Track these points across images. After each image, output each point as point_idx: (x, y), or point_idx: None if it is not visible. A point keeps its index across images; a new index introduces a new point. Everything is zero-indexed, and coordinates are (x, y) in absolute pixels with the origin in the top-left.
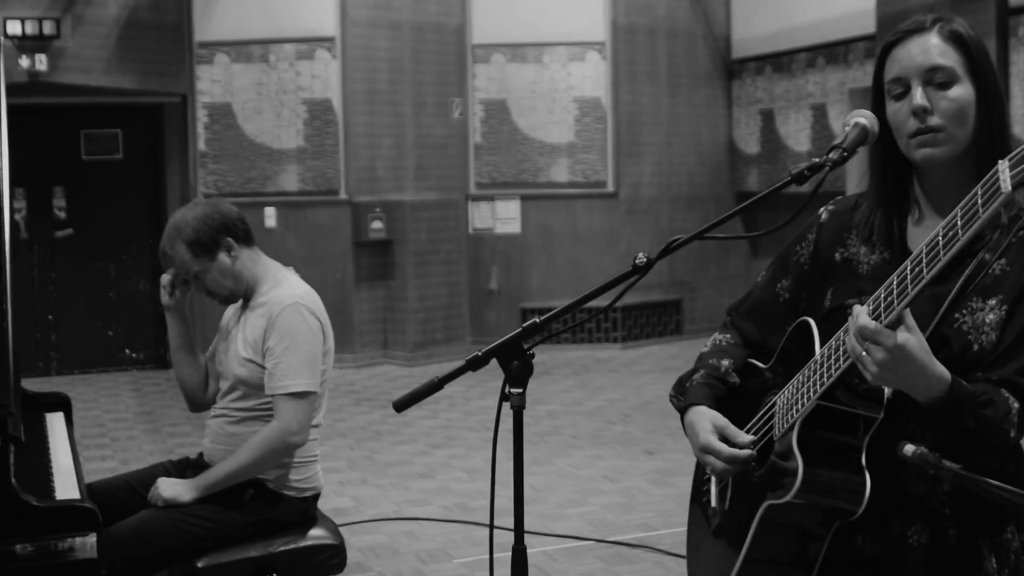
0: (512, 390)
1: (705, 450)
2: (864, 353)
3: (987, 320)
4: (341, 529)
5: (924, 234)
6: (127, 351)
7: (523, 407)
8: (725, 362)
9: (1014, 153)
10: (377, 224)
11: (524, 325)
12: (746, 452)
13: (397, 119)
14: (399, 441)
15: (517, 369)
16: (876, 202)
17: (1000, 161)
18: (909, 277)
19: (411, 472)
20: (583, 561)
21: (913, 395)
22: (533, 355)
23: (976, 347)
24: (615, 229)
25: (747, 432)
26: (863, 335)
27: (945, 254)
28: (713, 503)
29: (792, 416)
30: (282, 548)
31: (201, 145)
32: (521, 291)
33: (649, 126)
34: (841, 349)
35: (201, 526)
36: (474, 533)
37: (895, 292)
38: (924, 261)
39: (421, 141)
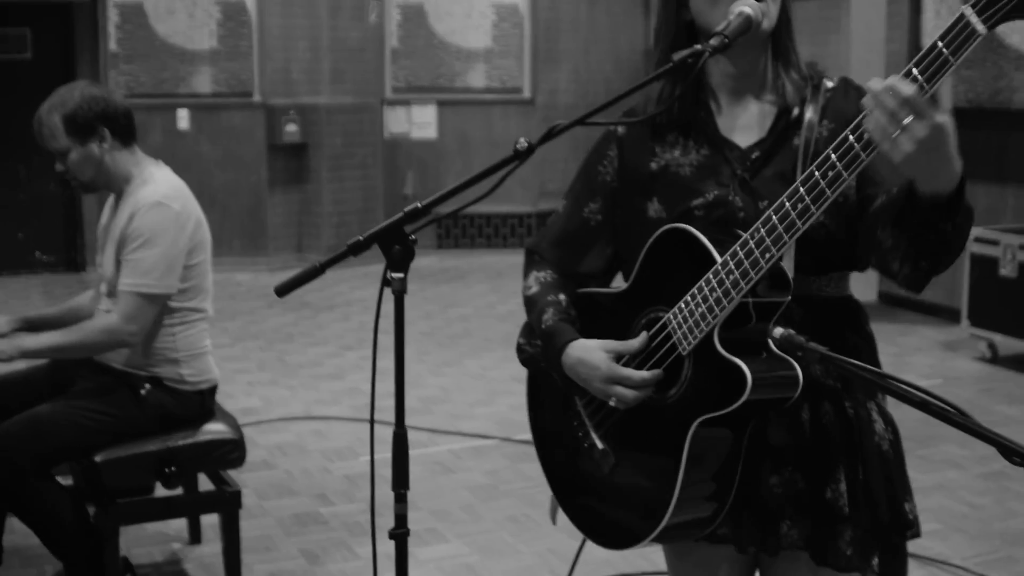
0: (393, 275)
1: (613, 380)
2: (904, 131)
3: None
4: (248, 429)
5: (732, 119)
6: (38, 254)
7: (404, 292)
8: (562, 296)
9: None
10: (292, 127)
11: (405, 209)
12: (655, 372)
13: (313, 21)
14: (311, 343)
15: (399, 254)
16: (680, 102)
17: (964, 7)
18: (925, 73)
19: (322, 373)
20: (488, 459)
21: (933, 182)
22: (415, 240)
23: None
24: (531, 136)
25: (630, 361)
26: (911, 105)
27: (942, 70)
28: (599, 445)
29: (705, 325)
30: (181, 442)
31: (112, 46)
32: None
33: (567, 33)
34: (751, 249)
35: (97, 420)
36: (380, 432)
37: (921, 77)
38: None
39: (337, 44)
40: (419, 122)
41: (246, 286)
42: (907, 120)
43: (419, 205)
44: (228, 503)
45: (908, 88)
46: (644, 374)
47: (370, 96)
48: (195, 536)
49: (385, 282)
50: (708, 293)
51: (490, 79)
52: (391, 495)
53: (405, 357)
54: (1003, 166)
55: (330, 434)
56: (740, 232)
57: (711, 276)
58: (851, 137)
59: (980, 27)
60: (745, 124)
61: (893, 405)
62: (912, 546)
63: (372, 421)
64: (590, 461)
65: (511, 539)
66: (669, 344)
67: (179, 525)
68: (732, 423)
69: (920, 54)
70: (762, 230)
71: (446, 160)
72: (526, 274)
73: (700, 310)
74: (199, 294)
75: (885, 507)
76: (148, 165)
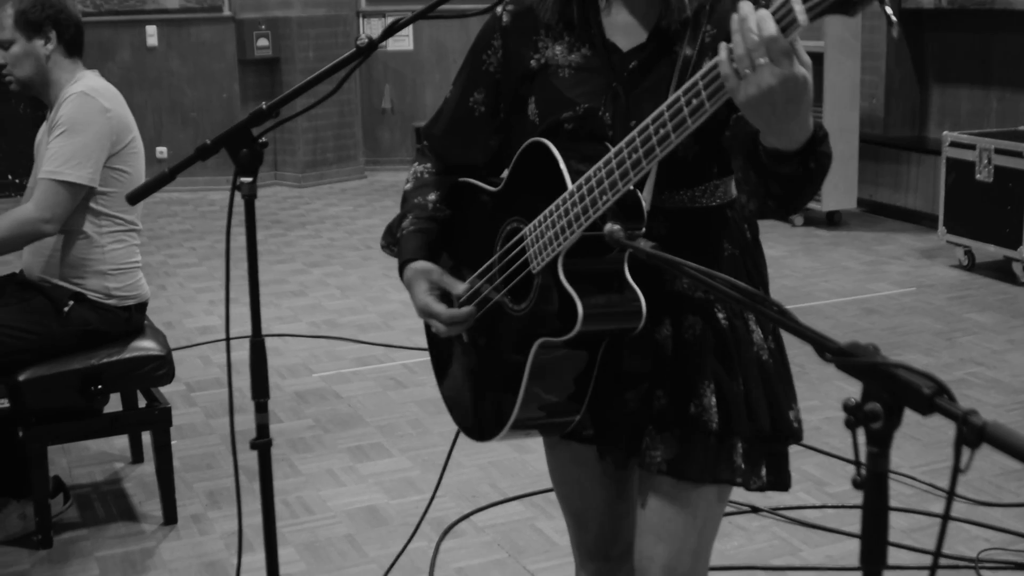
0: (243, 179)
1: (425, 313)
2: (760, 71)
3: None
4: (206, 347)
5: (618, 20)
6: (9, 176)
7: (254, 196)
8: (431, 196)
9: None
10: (263, 42)
11: (251, 111)
12: (467, 310)
13: None
14: (278, 260)
15: (246, 157)
16: None
17: None
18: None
19: (284, 290)
20: None
21: (777, 138)
22: (265, 144)
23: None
24: None
25: (492, 266)
26: (774, 46)
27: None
28: (465, 339)
29: (552, 249)
30: (106, 360)
31: None
32: (415, 109)
33: None
34: (602, 178)
35: (19, 338)
36: (337, 348)
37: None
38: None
39: None
40: (395, 34)
41: (219, 204)
42: (760, 61)
43: (264, 106)
44: (158, 421)
45: (771, 27)
46: (452, 312)
47: (344, 8)
48: (137, 455)
49: (235, 187)
50: (557, 218)
51: None
52: (337, 410)
53: (370, 273)
54: (986, 69)
55: (286, 351)
56: (610, 147)
57: (561, 201)
58: (715, 69)
59: (802, 17)
60: (631, 23)
61: (861, 314)
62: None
63: (228, 338)
64: (459, 353)
65: (455, 453)
66: (523, 259)
67: (122, 444)
68: (577, 344)
69: None
70: (613, 160)
71: (424, 72)
72: (412, 164)
73: (549, 233)
74: (127, 204)
75: (766, 417)
76: (84, 75)
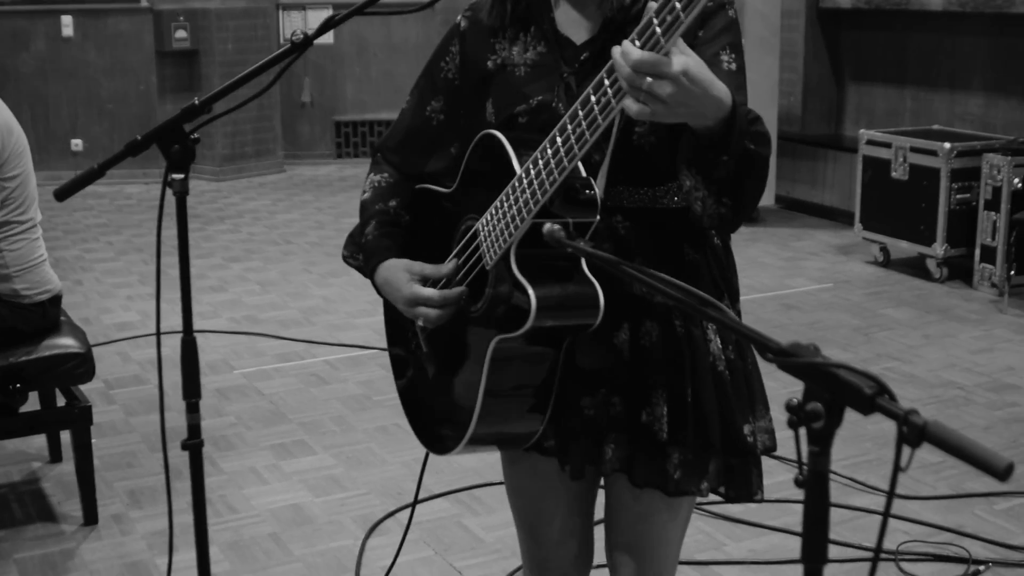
0: (174, 176)
1: (414, 301)
2: (647, 92)
3: None
4: (124, 343)
5: (570, 14)
6: None
7: (186, 193)
8: (392, 203)
9: None
10: (181, 33)
11: (183, 107)
12: (458, 290)
13: None
14: (196, 255)
15: (178, 154)
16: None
17: None
18: (662, 24)
19: (204, 285)
20: (365, 369)
21: (702, 121)
22: (197, 139)
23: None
24: (431, 41)
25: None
26: (642, 69)
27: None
28: (424, 348)
29: (504, 241)
30: (24, 358)
31: None
32: (335, 103)
33: None
34: (548, 160)
35: None
36: (258, 344)
37: (658, 30)
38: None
39: None
40: (315, 26)
41: (136, 198)
42: (647, 82)
43: (196, 102)
44: (79, 419)
45: (636, 54)
46: (444, 293)
47: (263, 0)
48: (55, 454)
49: (166, 183)
50: (507, 208)
51: None
52: (259, 407)
53: (290, 268)
54: (901, 68)
55: (206, 347)
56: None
57: (511, 190)
58: (608, 79)
59: None
60: (582, 17)
61: (780, 310)
62: (782, 448)
63: (159, 332)
64: (420, 363)
65: (379, 450)
66: (477, 255)
67: (40, 444)
68: (537, 341)
69: (660, 2)
70: (548, 150)
71: (344, 66)
72: (368, 174)
73: (500, 225)
74: (22, 204)
75: (716, 430)
76: None
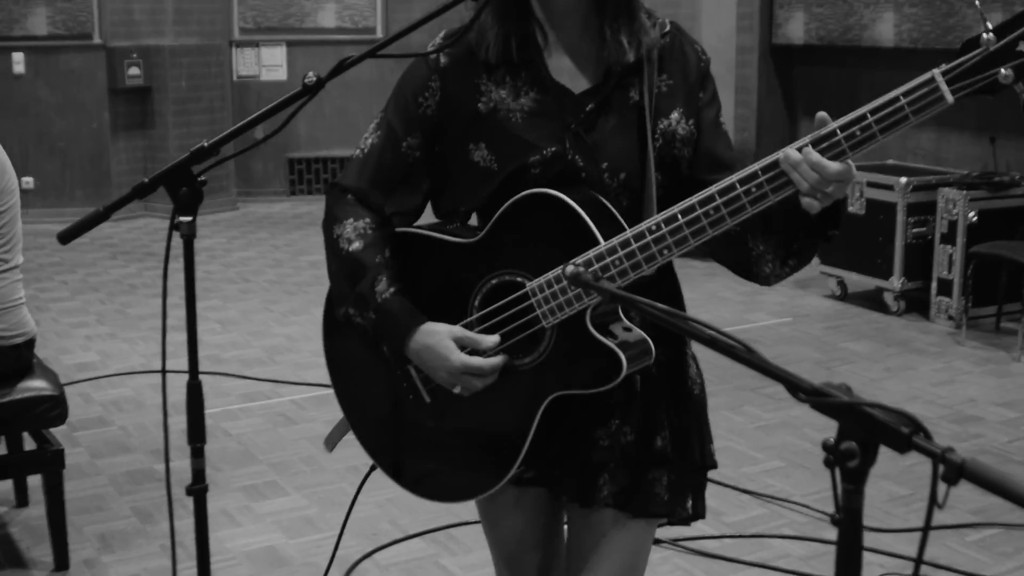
0: (181, 218)
1: (464, 371)
2: (827, 194)
3: (678, 135)
4: (83, 385)
5: (563, 62)
6: None
7: (193, 235)
8: (387, 253)
9: (949, 67)
10: (134, 71)
11: (192, 149)
12: (502, 359)
13: None
14: (154, 294)
15: (186, 196)
16: (503, 35)
17: (935, 71)
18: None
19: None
20: (332, 408)
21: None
22: (204, 182)
23: (673, 159)
24: (384, 78)
25: (481, 321)
26: (834, 179)
27: (864, 136)
28: (427, 399)
29: (578, 305)
30: None
31: None
32: (288, 141)
33: None
34: (664, 236)
35: None
36: (223, 384)
37: (845, 144)
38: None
39: None
40: (268, 64)
41: (88, 237)
42: (832, 188)
43: (205, 144)
44: (50, 463)
45: (833, 167)
46: (495, 362)
47: (217, 37)
48: (21, 499)
49: (173, 226)
50: (592, 274)
51: (341, 19)
52: (227, 448)
53: (251, 307)
54: (853, 103)
55: (170, 388)
56: (603, 201)
57: (593, 259)
58: (777, 167)
59: (948, 96)
60: (577, 67)
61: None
62: (753, 484)
63: (164, 370)
64: (415, 415)
65: (351, 490)
66: (530, 315)
67: (5, 488)
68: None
69: (850, 118)
70: (664, 228)
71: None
72: (339, 218)
73: (576, 290)
74: (8, 243)
75: (697, 449)
76: None
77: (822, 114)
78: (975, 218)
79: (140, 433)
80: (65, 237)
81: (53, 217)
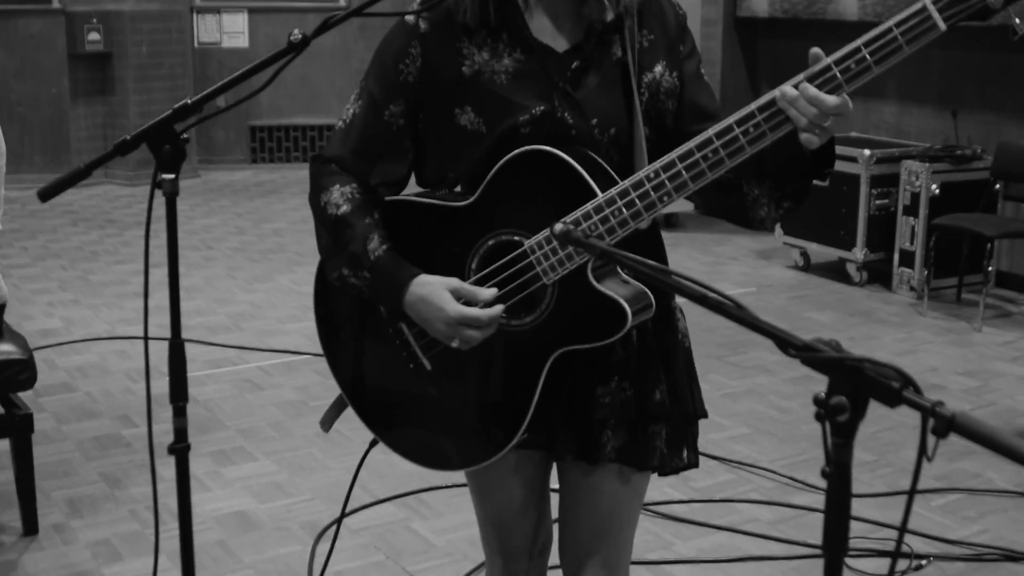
0: (164, 176)
1: (461, 321)
2: (824, 128)
3: (663, 87)
4: (47, 351)
5: (544, 22)
6: None
7: (176, 193)
8: (377, 215)
9: None
10: (94, 36)
11: (175, 106)
12: (500, 308)
13: None
14: (116, 261)
15: (169, 154)
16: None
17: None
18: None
19: (127, 291)
20: (299, 375)
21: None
22: (187, 139)
23: (658, 112)
24: (347, 45)
25: (480, 282)
26: (831, 112)
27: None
28: (428, 366)
29: (579, 259)
30: None
31: None
32: (250, 108)
33: None
34: (663, 182)
35: None
36: (189, 350)
37: (840, 76)
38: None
39: None
40: (230, 31)
41: (49, 203)
42: (829, 121)
43: (188, 102)
44: (19, 427)
45: (830, 100)
46: (492, 313)
47: (178, 3)
48: None
49: (156, 184)
50: (589, 228)
51: None
52: (194, 414)
53: (215, 274)
54: None
55: (134, 354)
56: (594, 156)
57: (592, 211)
58: (774, 106)
59: (941, 23)
60: (558, 26)
61: (706, 313)
62: (720, 449)
63: (146, 336)
64: (414, 382)
65: (320, 455)
66: (530, 273)
67: None
68: (586, 350)
69: (844, 52)
70: (663, 175)
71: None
72: (324, 187)
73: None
74: None
75: (690, 401)
76: None
77: (816, 50)
78: (937, 190)
79: (106, 399)
80: (45, 195)
81: (12, 183)
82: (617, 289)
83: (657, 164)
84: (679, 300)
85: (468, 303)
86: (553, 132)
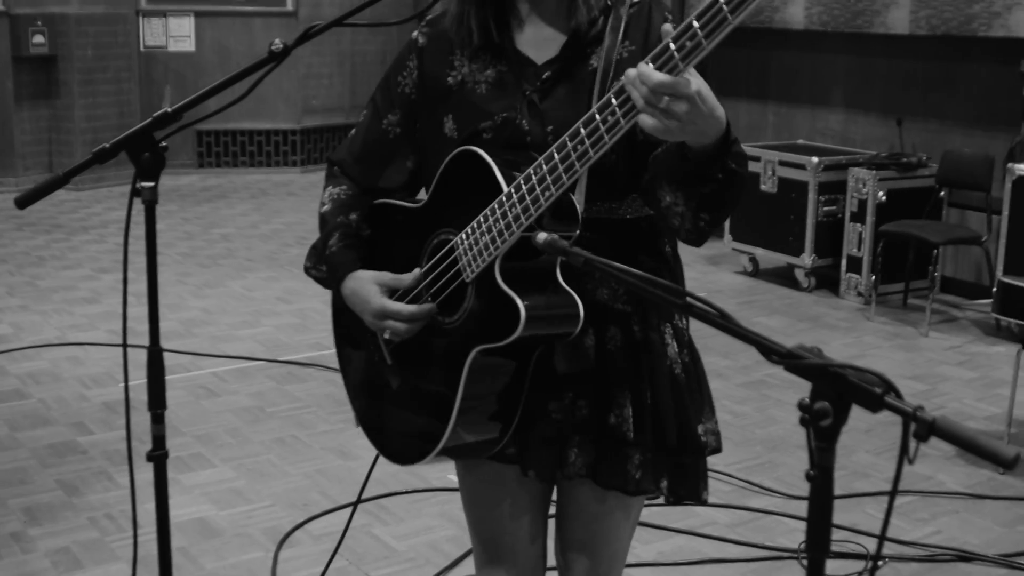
0: (143, 184)
1: (382, 315)
2: (663, 110)
3: None
4: (0, 357)
5: (533, 33)
6: None
7: (155, 202)
8: (353, 216)
9: None
10: (39, 39)
11: (155, 115)
12: (428, 306)
13: None
14: (64, 266)
15: (148, 161)
16: (476, 6)
17: None
18: (682, 51)
19: (76, 297)
20: (254, 381)
21: (702, 140)
22: (166, 147)
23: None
24: (295, 52)
25: (419, 281)
26: (661, 90)
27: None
28: (388, 360)
29: (487, 255)
30: None
31: None
32: (197, 112)
33: None
34: (544, 176)
35: None
36: (140, 356)
37: (677, 55)
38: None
39: None
40: (176, 35)
41: None
42: (664, 102)
43: (168, 110)
44: None
45: (656, 76)
46: (413, 308)
47: (123, 6)
48: None
49: (135, 192)
50: (493, 223)
51: None
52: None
53: (164, 279)
54: (764, 84)
55: (87, 360)
56: (535, 156)
57: (496, 206)
58: (617, 100)
59: (730, 16)
60: (544, 38)
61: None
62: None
63: (124, 342)
64: (382, 376)
65: (279, 461)
66: (455, 269)
67: None
68: (513, 352)
69: (679, 29)
70: (544, 167)
71: (206, 74)
72: (325, 186)
73: (484, 239)
74: None
75: (673, 431)
76: None
77: (666, 26)
78: (884, 197)
79: (60, 406)
80: (23, 202)
81: None
82: (528, 290)
83: (542, 157)
84: (678, 325)
85: (398, 292)
86: (511, 137)
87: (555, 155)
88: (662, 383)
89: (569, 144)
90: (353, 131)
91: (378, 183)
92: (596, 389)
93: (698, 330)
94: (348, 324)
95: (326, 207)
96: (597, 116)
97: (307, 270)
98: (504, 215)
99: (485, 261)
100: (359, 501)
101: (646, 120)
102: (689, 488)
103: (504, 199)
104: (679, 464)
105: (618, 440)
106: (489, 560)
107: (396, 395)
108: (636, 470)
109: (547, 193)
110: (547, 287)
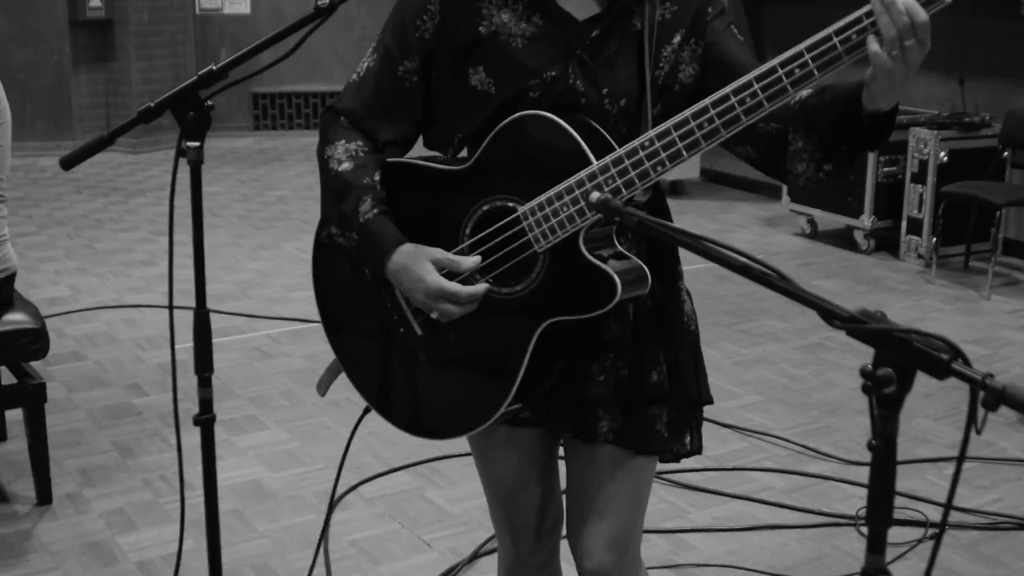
0: (188, 143)
1: (439, 295)
2: (908, 48)
3: (682, 58)
4: (55, 319)
5: None
6: None
7: (201, 162)
8: (376, 176)
9: None
10: (95, 3)
11: (200, 73)
12: (484, 287)
13: None
14: (121, 229)
15: (193, 121)
16: None
17: None
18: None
19: (133, 260)
20: (308, 343)
21: (890, 101)
22: (212, 106)
23: (680, 84)
24: (349, 11)
25: (471, 249)
26: (922, 31)
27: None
28: (418, 331)
29: (571, 227)
30: None
31: None
32: (247, 69)
33: None
34: (652, 155)
35: None
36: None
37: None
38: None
39: None
40: None
41: (51, 171)
42: (909, 43)
43: (214, 67)
44: (32, 396)
45: (924, 14)
46: (471, 290)
47: None
48: (0, 434)
49: (180, 152)
50: (581, 195)
51: None
52: (213, 384)
53: (220, 241)
54: None
55: (142, 322)
56: (595, 125)
57: (586, 179)
58: (802, 60)
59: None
60: None
61: (714, 281)
62: (733, 418)
63: (171, 304)
64: (405, 347)
65: (332, 423)
66: (521, 240)
67: None
68: (579, 322)
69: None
70: (657, 143)
71: (261, 36)
72: (330, 140)
73: (568, 212)
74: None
75: (694, 387)
76: None
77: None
78: (945, 158)
79: (115, 368)
80: (68, 163)
81: (14, 151)
82: (609, 261)
83: (653, 132)
84: (686, 282)
85: (452, 273)
86: (562, 98)
87: (672, 132)
88: (683, 340)
89: (693, 122)
90: (357, 78)
91: (392, 135)
92: (636, 350)
93: (754, 292)
94: (343, 295)
95: (344, 165)
96: (755, 83)
97: (332, 236)
98: (599, 188)
99: (567, 232)
100: (341, 464)
101: (881, 56)
102: (699, 440)
103: (598, 172)
104: (697, 419)
105: (655, 398)
106: (508, 518)
107: (423, 367)
108: (665, 429)
109: (658, 168)
110: (614, 254)
